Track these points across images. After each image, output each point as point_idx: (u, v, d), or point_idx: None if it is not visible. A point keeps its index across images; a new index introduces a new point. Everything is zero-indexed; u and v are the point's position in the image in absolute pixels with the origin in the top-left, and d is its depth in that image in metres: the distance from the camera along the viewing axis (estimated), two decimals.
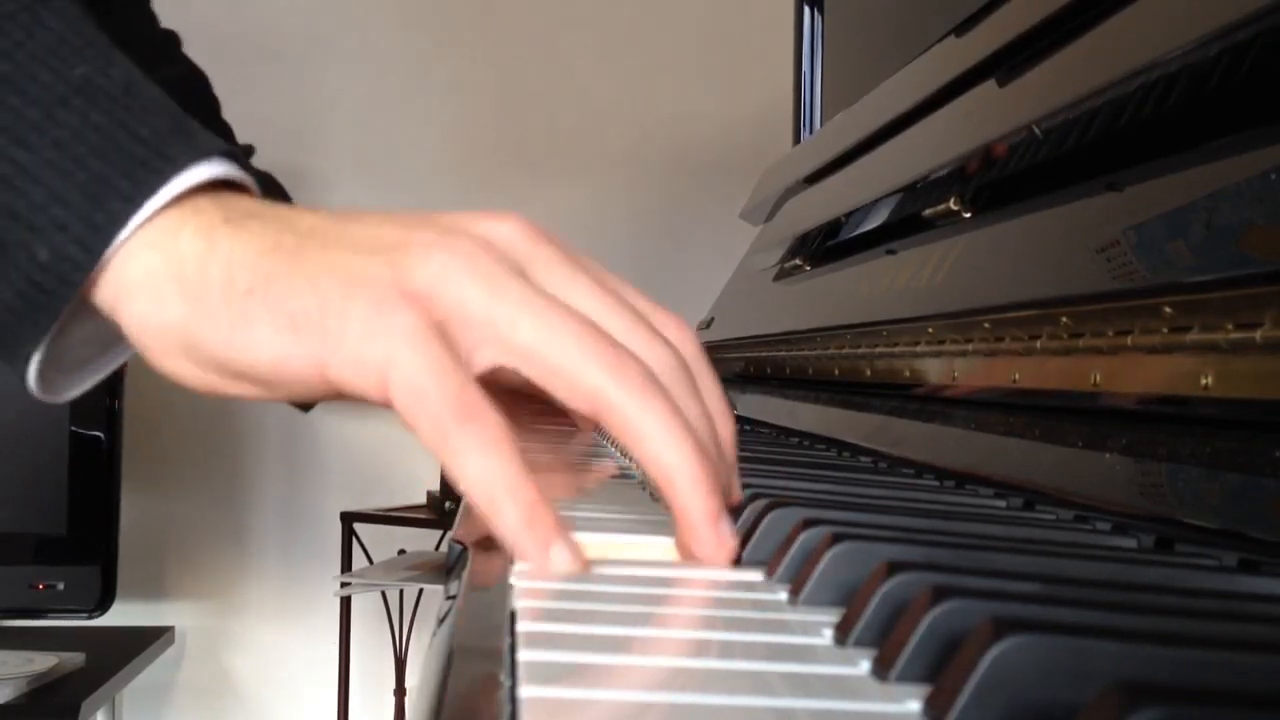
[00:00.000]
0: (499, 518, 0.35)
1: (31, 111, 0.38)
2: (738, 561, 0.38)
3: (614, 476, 0.61)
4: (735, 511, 0.43)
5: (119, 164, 0.38)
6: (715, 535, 0.37)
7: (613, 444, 0.72)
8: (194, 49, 0.97)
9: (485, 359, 0.37)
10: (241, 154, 0.41)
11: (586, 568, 0.35)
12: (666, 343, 0.40)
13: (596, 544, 0.39)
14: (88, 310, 0.39)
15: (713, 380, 0.42)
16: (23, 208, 0.38)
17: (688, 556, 0.38)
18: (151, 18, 0.91)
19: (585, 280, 0.40)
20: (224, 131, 0.94)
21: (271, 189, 0.94)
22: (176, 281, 0.38)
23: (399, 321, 0.36)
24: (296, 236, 0.38)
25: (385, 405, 0.36)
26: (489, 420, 0.35)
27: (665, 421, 0.37)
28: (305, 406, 1.11)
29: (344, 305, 0.36)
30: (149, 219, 0.38)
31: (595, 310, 0.39)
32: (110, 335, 0.41)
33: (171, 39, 0.92)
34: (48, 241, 0.38)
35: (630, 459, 0.38)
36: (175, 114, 0.40)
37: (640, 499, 0.51)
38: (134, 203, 0.38)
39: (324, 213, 0.40)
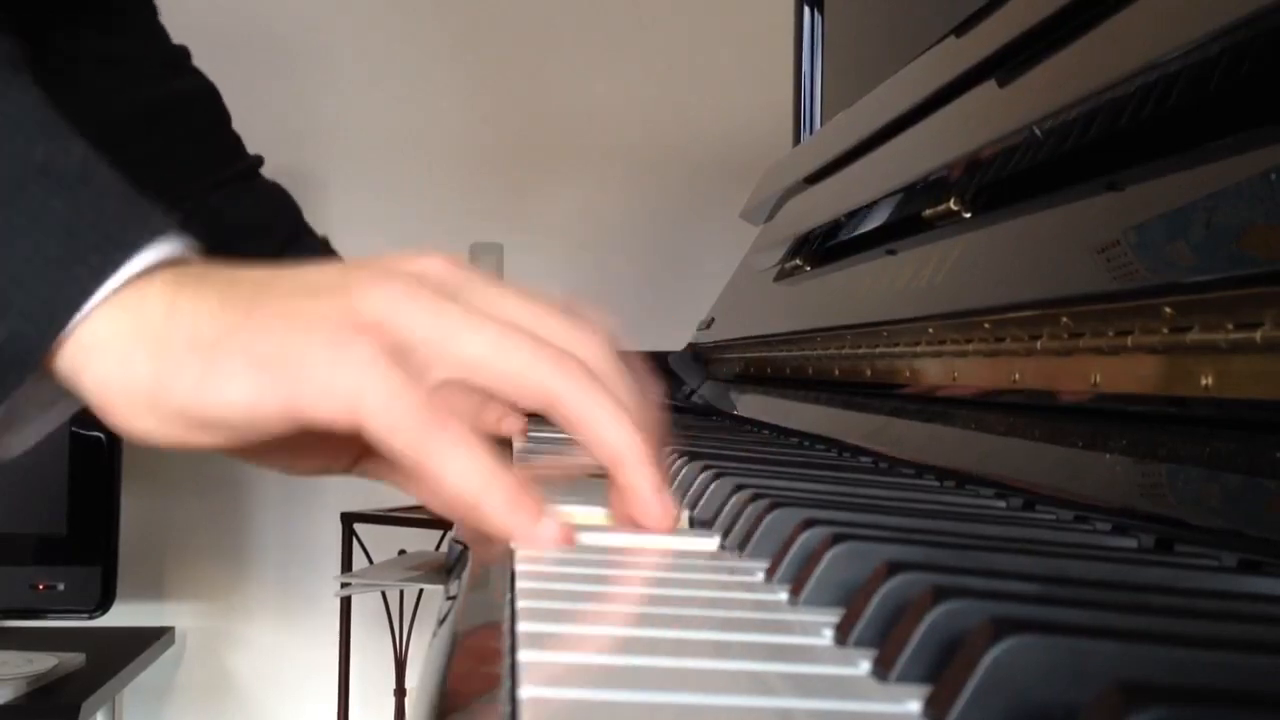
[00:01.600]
0: (486, 505, 0.38)
1: None
2: (739, 554, 0.38)
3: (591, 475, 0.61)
4: (738, 513, 0.43)
5: (76, 248, 0.40)
6: (661, 504, 0.41)
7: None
8: (193, 49, 0.97)
9: (438, 375, 0.40)
10: (184, 225, 0.43)
11: (573, 536, 0.39)
12: (594, 340, 0.44)
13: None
14: (41, 376, 0.41)
15: (629, 381, 0.45)
16: None
17: (628, 525, 0.42)
18: (163, 34, 0.91)
19: (512, 297, 0.43)
20: (234, 145, 0.94)
21: (283, 201, 0.95)
22: (142, 342, 0.40)
23: (358, 352, 0.39)
24: (249, 290, 0.41)
25: (353, 429, 0.39)
26: (456, 425, 0.39)
27: (608, 407, 0.41)
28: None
29: (305, 343, 0.39)
30: (107, 297, 0.40)
31: (527, 320, 0.42)
32: (56, 393, 0.43)
33: (182, 54, 0.93)
34: (6, 322, 0.39)
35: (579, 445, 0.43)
36: (128, 196, 0.42)
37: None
38: (89, 289, 0.40)
39: (268, 270, 0.43)
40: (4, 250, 0.39)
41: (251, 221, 0.90)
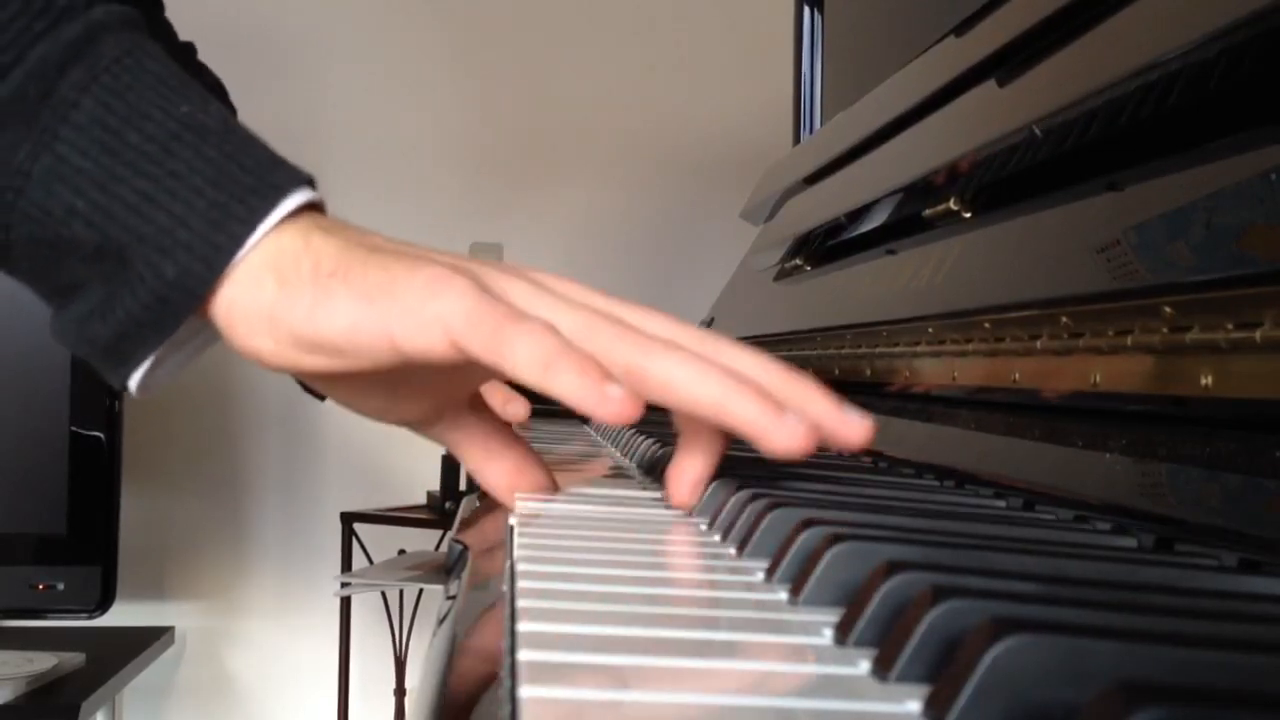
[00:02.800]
0: (555, 381, 0.41)
1: (149, 147, 0.44)
2: (739, 554, 0.38)
3: (610, 473, 0.61)
4: (738, 513, 0.43)
5: (233, 191, 0.44)
6: (784, 425, 0.41)
7: (611, 442, 0.72)
8: (195, 47, 0.97)
9: None
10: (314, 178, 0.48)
11: (638, 409, 0.41)
12: (687, 327, 0.46)
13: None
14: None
15: (745, 348, 0.47)
16: (150, 231, 0.43)
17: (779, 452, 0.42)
18: (170, 30, 0.92)
19: (596, 293, 0.47)
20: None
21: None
22: (274, 269, 0.44)
23: (455, 283, 0.42)
24: (373, 241, 0.46)
25: (451, 356, 0.42)
26: (536, 319, 0.42)
27: (690, 364, 0.42)
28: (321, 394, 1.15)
29: (408, 278, 0.43)
30: (263, 236, 0.44)
31: (631, 317, 0.45)
32: (189, 330, 0.46)
33: (190, 50, 0.93)
34: (175, 260, 0.43)
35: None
36: (266, 146, 0.46)
37: (633, 490, 0.51)
38: (249, 224, 0.44)
39: (391, 238, 0.48)
40: (168, 197, 0.43)
41: None
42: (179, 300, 0.44)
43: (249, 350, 0.45)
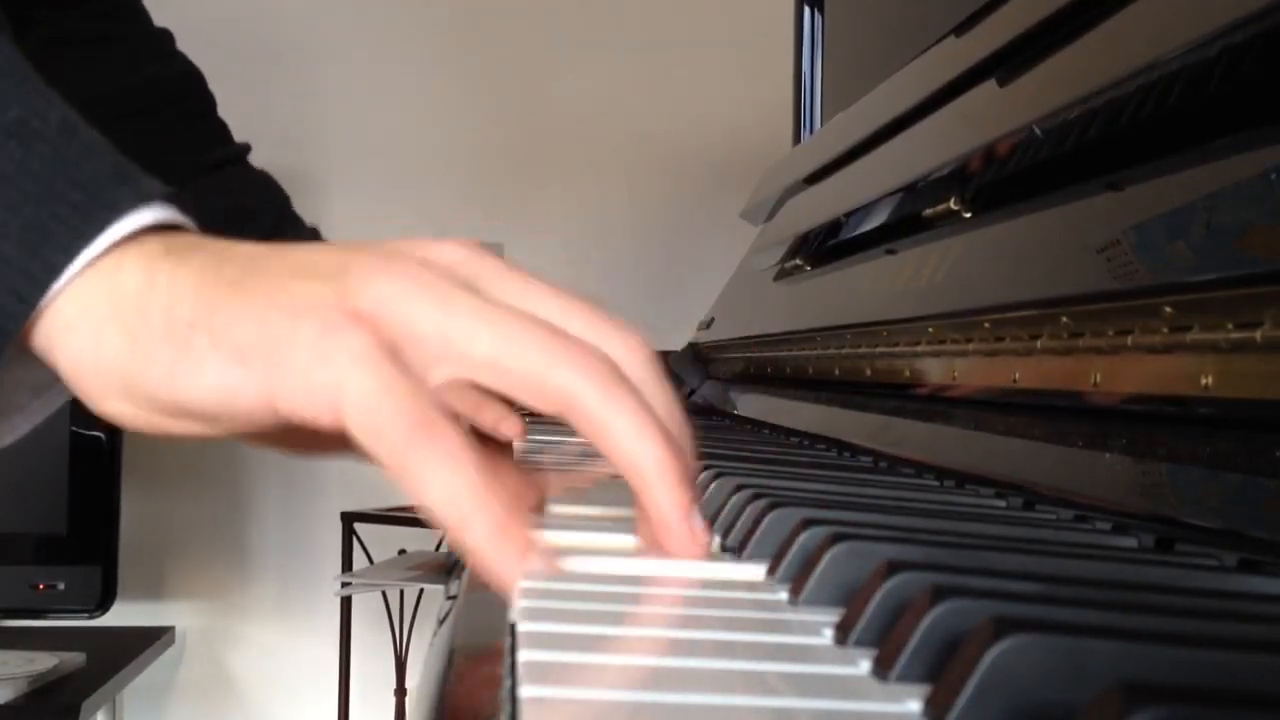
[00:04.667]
0: (467, 534, 0.34)
1: None
2: (739, 554, 0.38)
3: (612, 477, 0.61)
4: (738, 513, 0.43)
5: (55, 211, 0.37)
6: (688, 529, 0.37)
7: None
8: (193, 49, 0.97)
9: (442, 374, 0.36)
10: (178, 195, 0.40)
11: (555, 566, 0.35)
12: (630, 338, 0.40)
13: (569, 542, 0.38)
14: (21, 355, 0.38)
15: (667, 388, 0.41)
16: None
17: (657, 552, 0.37)
18: (145, 16, 0.91)
19: (537, 288, 0.39)
20: (220, 130, 0.94)
21: (270, 188, 0.94)
22: (115, 318, 0.36)
23: (347, 343, 0.35)
24: (237, 267, 0.37)
25: (338, 431, 0.35)
26: (447, 435, 0.34)
27: (633, 415, 0.36)
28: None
29: (290, 332, 0.35)
30: (88, 264, 0.37)
31: (550, 313, 0.38)
32: (44, 379, 0.40)
33: (166, 36, 0.92)
34: None
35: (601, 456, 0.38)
36: (113, 158, 0.39)
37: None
38: (70, 252, 0.36)
39: (264, 245, 0.39)
40: None
41: (237, 206, 0.88)
42: None
43: (105, 414, 0.38)
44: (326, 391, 0.35)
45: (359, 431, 0.35)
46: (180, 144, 0.87)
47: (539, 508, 0.46)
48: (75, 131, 0.39)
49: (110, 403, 0.37)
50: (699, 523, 0.37)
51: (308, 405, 0.35)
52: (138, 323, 0.36)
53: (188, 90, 0.92)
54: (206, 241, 0.39)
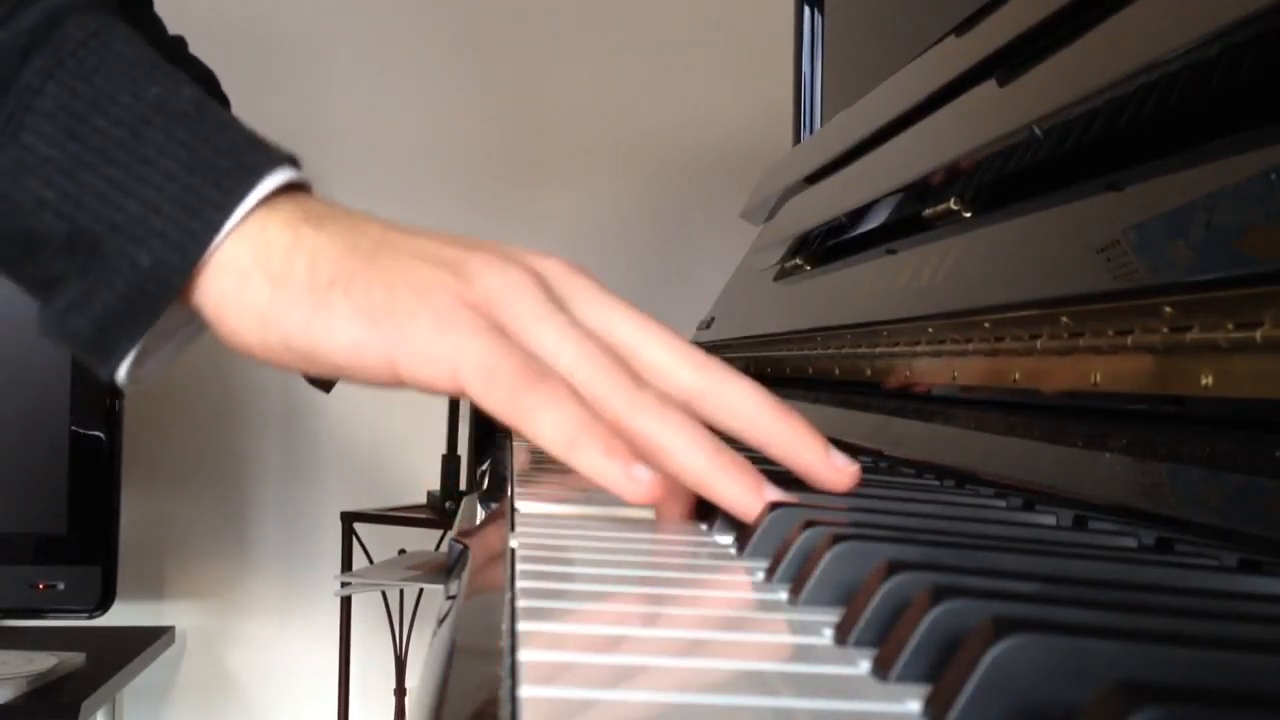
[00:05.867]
0: (580, 457, 0.40)
1: (118, 131, 0.42)
2: (739, 554, 0.39)
3: None
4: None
5: (207, 175, 0.42)
6: (760, 500, 0.41)
7: None
8: (194, 49, 0.97)
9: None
10: (297, 159, 0.45)
11: (664, 489, 0.41)
12: (697, 353, 0.45)
13: (576, 542, 0.39)
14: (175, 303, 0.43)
15: (743, 382, 0.46)
16: (122, 220, 0.41)
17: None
18: (159, 24, 0.91)
19: (623, 314, 0.45)
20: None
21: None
22: (263, 268, 0.42)
23: (464, 320, 0.41)
24: (371, 241, 0.43)
25: (455, 394, 0.41)
26: (556, 380, 0.40)
27: (681, 434, 0.42)
28: (326, 387, 1.14)
29: (415, 304, 0.41)
30: (239, 221, 0.42)
31: (632, 339, 0.44)
32: (178, 324, 0.45)
33: (180, 43, 0.93)
34: (149, 249, 0.41)
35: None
36: (243, 127, 0.44)
37: None
38: (225, 209, 0.42)
39: (389, 223, 0.46)
40: (139, 184, 0.41)
41: None
42: (155, 291, 0.42)
43: (236, 346, 0.43)
44: (445, 359, 0.40)
45: (475, 389, 0.40)
46: None
47: None
48: (208, 106, 0.44)
49: (244, 337, 0.43)
50: (773, 492, 0.42)
51: (427, 370, 0.41)
52: (283, 274, 0.42)
53: (207, 88, 0.92)
54: (338, 210, 0.45)
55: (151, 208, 0.41)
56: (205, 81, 0.93)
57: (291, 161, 0.44)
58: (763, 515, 0.40)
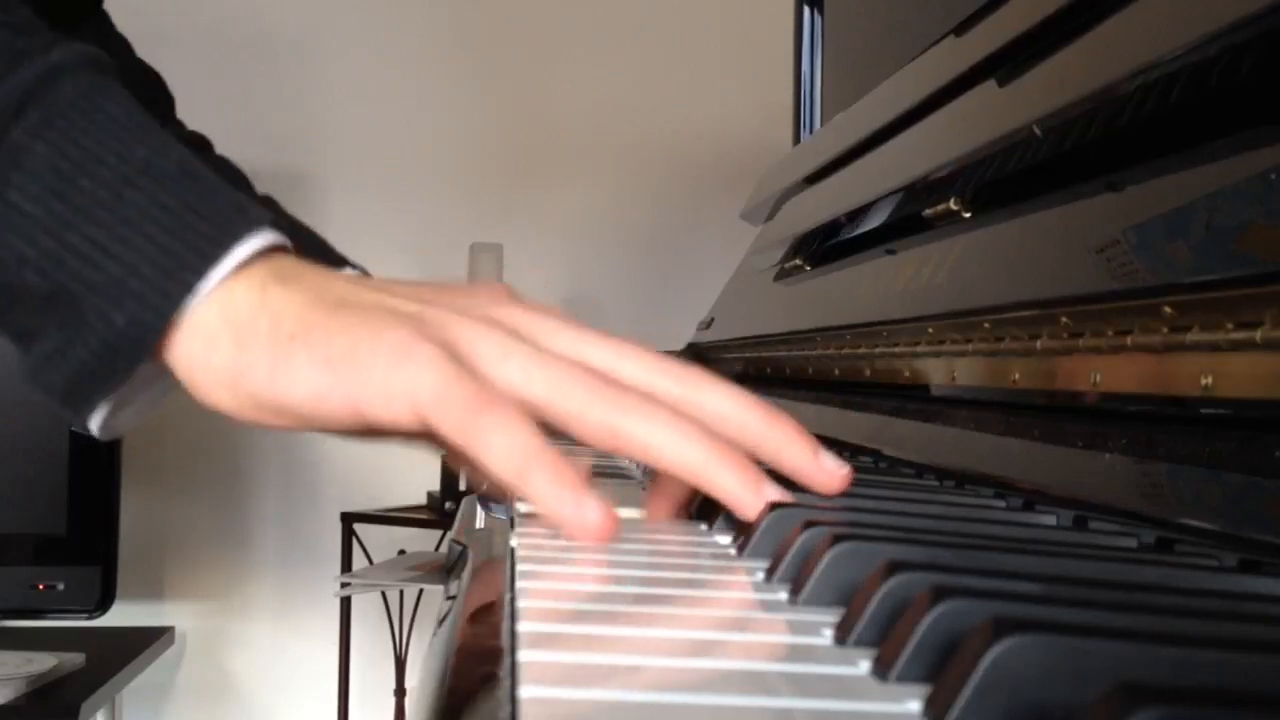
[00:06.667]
0: (529, 484, 0.39)
1: (102, 193, 0.43)
2: (739, 554, 0.39)
3: (611, 472, 0.61)
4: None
5: (186, 239, 0.43)
6: (762, 499, 0.41)
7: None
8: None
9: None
10: (278, 220, 0.45)
11: (615, 523, 0.39)
12: (675, 369, 0.45)
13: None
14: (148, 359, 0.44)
15: (720, 387, 0.46)
16: (100, 280, 0.42)
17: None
18: (108, 21, 0.92)
19: (590, 339, 0.45)
20: (175, 122, 0.94)
21: (225, 171, 0.93)
22: (230, 328, 0.43)
23: (421, 353, 0.41)
24: (335, 296, 0.44)
25: (419, 429, 0.41)
26: (507, 407, 0.40)
27: (670, 426, 0.41)
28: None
29: (373, 345, 0.41)
30: (217, 284, 0.43)
31: (601, 361, 0.44)
32: (150, 375, 0.45)
33: (125, 41, 0.93)
34: (124, 309, 0.42)
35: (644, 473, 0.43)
36: (227, 190, 0.45)
37: (628, 498, 0.51)
38: (200, 273, 0.42)
39: (359, 279, 0.46)
40: (119, 245, 0.42)
41: None
42: (129, 349, 0.43)
43: (212, 406, 0.44)
44: (403, 393, 0.40)
45: (430, 415, 0.40)
46: None
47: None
48: (193, 169, 0.45)
49: (217, 397, 0.43)
50: (770, 490, 0.42)
51: (387, 408, 0.41)
52: (247, 332, 0.43)
53: (139, 83, 0.92)
54: (306, 268, 0.45)
55: (130, 269, 0.42)
56: (142, 74, 0.93)
57: (273, 224, 0.45)
58: (763, 515, 0.40)
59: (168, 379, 0.46)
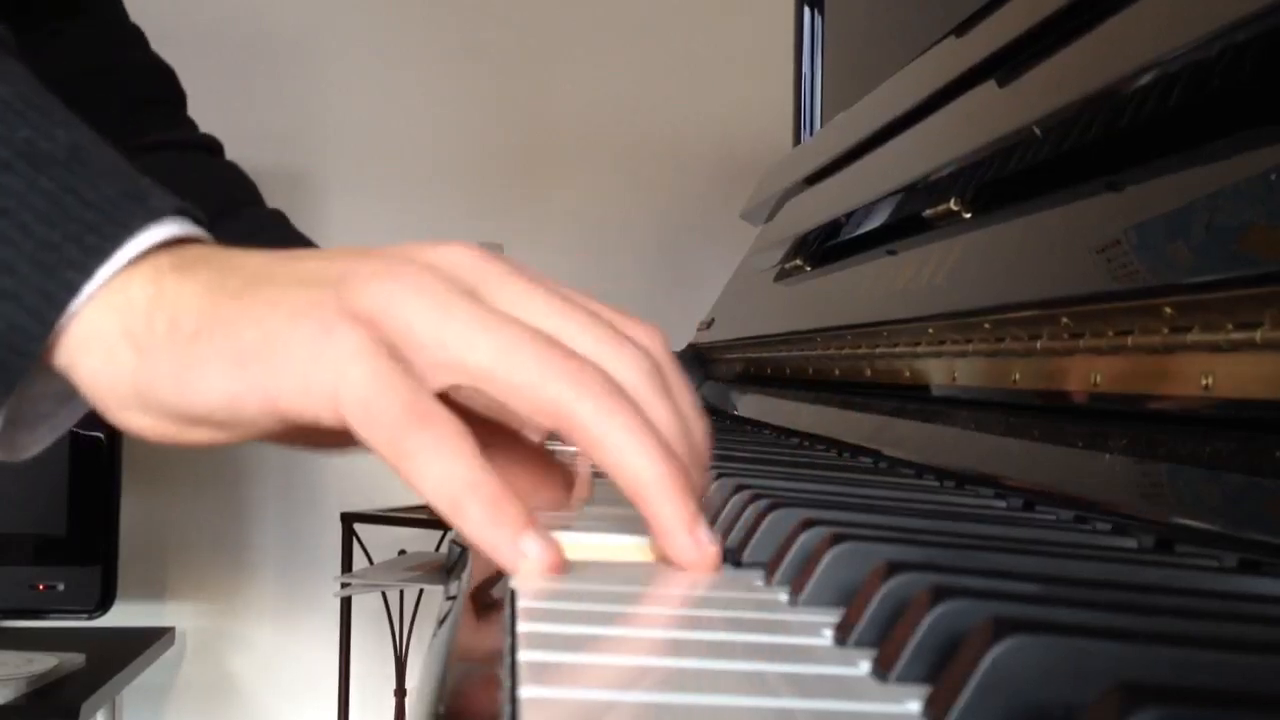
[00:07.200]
0: (463, 519, 0.34)
1: None
2: (738, 555, 0.38)
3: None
4: (738, 513, 0.43)
5: (69, 230, 0.37)
6: (693, 541, 0.36)
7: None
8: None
9: (441, 381, 0.36)
10: (196, 209, 0.40)
11: (561, 562, 0.35)
12: (633, 344, 0.39)
13: (582, 542, 0.39)
14: (44, 368, 0.38)
15: (682, 383, 0.41)
16: None
17: (666, 561, 0.37)
18: (122, 10, 0.91)
19: (541, 293, 0.38)
20: (184, 121, 0.93)
21: (228, 176, 0.90)
22: (125, 333, 0.37)
23: (344, 340, 0.35)
24: (241, 278, 0.38)
25: (340, 428, 0.35)
26: (443, 422, 0.35)
27: (630, 428, 0.36)
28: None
29: (288, 335, 0.36)
30: (103, 283, 0.37)
31: (554, 323, 0.38)
32: (68, 389, 0.40)
33: (140, 33, 0.92)
34: (1, 313, 0.37)
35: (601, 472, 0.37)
36: (126, 175, 0.39)
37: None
38: (86, 270, 0.37)
39: (272, 254, 0.39)
40: None
41: (177, 188, 0.86)
42: (9, 358, 0.37)
43: (126, 428, 0.38)
44: (324, 389, 0.35)
45: (356, 423, 0.35)
46: (132, 124, 0.85)
47: (572, 503, 0.45)
48: (85, 151, 0.39)
49: (128, 416, 0.38)
50: (705, 534, 0.36)
51: (307, 405, 0.35)
52: (145, 335, 0.37)
53: (154, 79, 0.91)
54: (214, 254, 0.39)
55: (5, 266, 0.37)
56: (157, 70, 0.91)
57: (182, 212, 0.39)
58: (761, 517, 0.40)
59: (81, 396, 0.40)
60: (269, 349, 0.36)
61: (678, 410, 0.39)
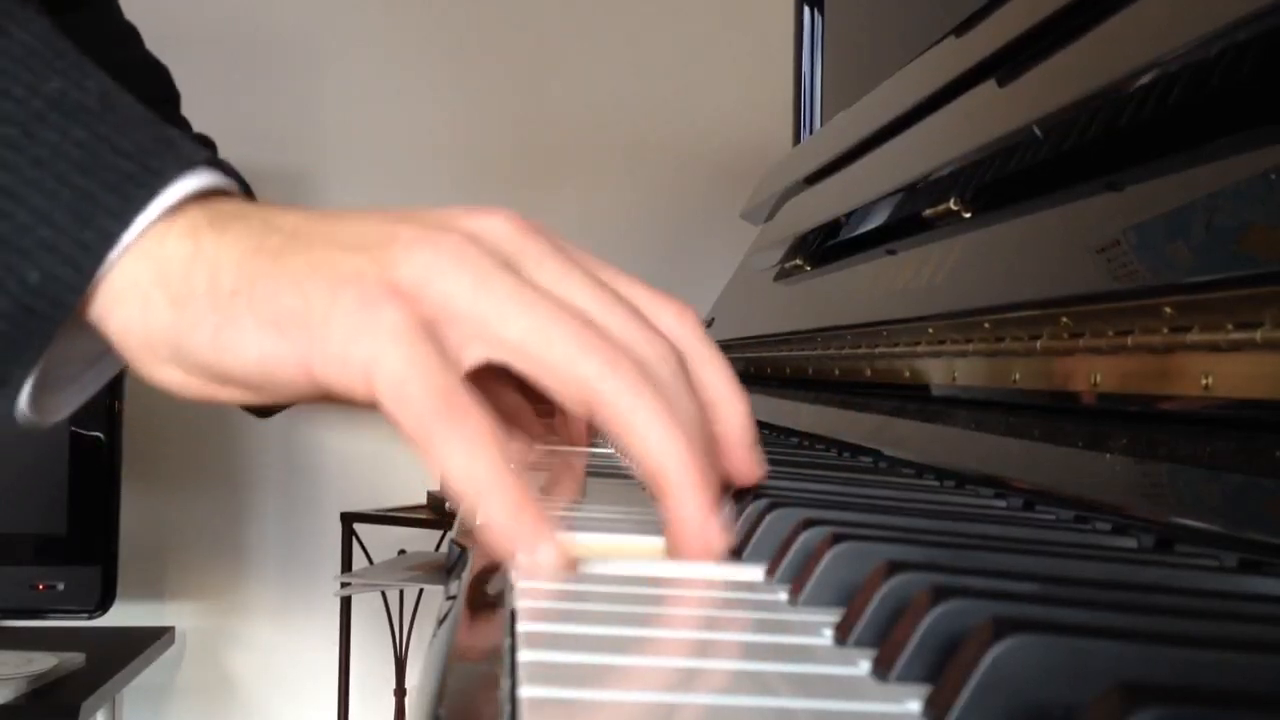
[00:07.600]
0: (483, 511, 0.35)
1: (8, 130, 0.37)
2: (738, 555, 0.39)
3: (616, 477, 0.61)
4: (738, 513, 0.43)
5: (105, 180, 0.37)
6: (702, 533, 0.37)
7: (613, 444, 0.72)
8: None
9: (475, 355, 0.37)
10: (223, 161, 0.41)
11: (572, 566, 0.35)
12: (663, 336, 0.40)
13: (593, 543, 0.39)
14: (76, 326, 0.38)
15: (717, 363, 0.42)
16: (7, 230, 0.37)
17: (676, 555, 0.37)
18: (117, 8, 0.91)
19: (578, 273, 0.39)
20: (180, 120, 0.94)
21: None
22: (162, 287, 0.37)
23: (384, 318, 0.36)
24: (281, 237, 0.38)
25: (371, 403, 0.36)
26: (473, 417, 0.35)
27: (656, 415, 0.36)
28: (265, 413, 1.07)
29: (328, 303, 0.36)
30: (140, 233, 0.37)
31: (589, 303, 0.38)
32: (96, 350, 0.41)
33: (134, 31, 0.92)
34: (37, 264, 0.37)
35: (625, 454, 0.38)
36: (155, 125, 0.39)
37: (642, 498, 0.51)
38: (124, 219, 0.37)
39: (308, 212, 0.39)
40: (28, 189, 0.37)
41: None
42: (46, 310, 0.37)
43: (156, 381, 0.39)
44: (360, 365, 0.35)
45: (388, 403, 0.35)
46: None
47: (577, 499, 0.47)
48: (116, 101, 0.39)
49: (159, 369, 0.38)
50: (715, 527, 0.37)
51: (342, 377, 0.36)
52: (183, 291, 0.37)
53: (148, 78, 0.91)
54: (250, 208, 0.39)
55: (42, 216, 0.36)
56: (152, 70, 0.91)
57: (212, 164, 0.39)
58: (761, 517, 0.40)
59: (111, 356, 0.41)
60: (309, 317, 0.36)
61: (708, 397, 0.40)
